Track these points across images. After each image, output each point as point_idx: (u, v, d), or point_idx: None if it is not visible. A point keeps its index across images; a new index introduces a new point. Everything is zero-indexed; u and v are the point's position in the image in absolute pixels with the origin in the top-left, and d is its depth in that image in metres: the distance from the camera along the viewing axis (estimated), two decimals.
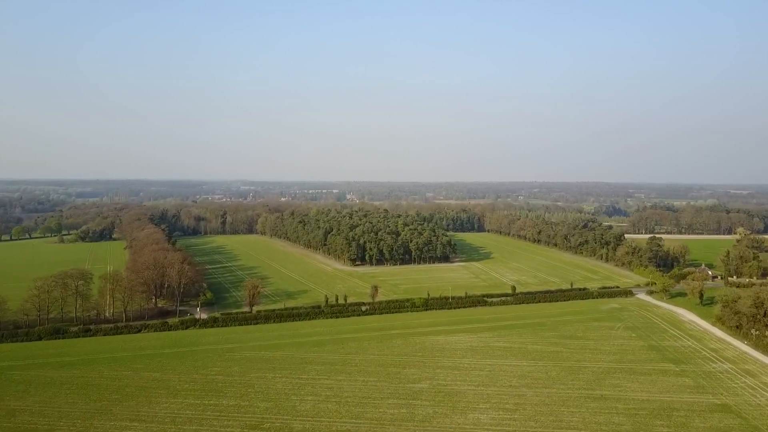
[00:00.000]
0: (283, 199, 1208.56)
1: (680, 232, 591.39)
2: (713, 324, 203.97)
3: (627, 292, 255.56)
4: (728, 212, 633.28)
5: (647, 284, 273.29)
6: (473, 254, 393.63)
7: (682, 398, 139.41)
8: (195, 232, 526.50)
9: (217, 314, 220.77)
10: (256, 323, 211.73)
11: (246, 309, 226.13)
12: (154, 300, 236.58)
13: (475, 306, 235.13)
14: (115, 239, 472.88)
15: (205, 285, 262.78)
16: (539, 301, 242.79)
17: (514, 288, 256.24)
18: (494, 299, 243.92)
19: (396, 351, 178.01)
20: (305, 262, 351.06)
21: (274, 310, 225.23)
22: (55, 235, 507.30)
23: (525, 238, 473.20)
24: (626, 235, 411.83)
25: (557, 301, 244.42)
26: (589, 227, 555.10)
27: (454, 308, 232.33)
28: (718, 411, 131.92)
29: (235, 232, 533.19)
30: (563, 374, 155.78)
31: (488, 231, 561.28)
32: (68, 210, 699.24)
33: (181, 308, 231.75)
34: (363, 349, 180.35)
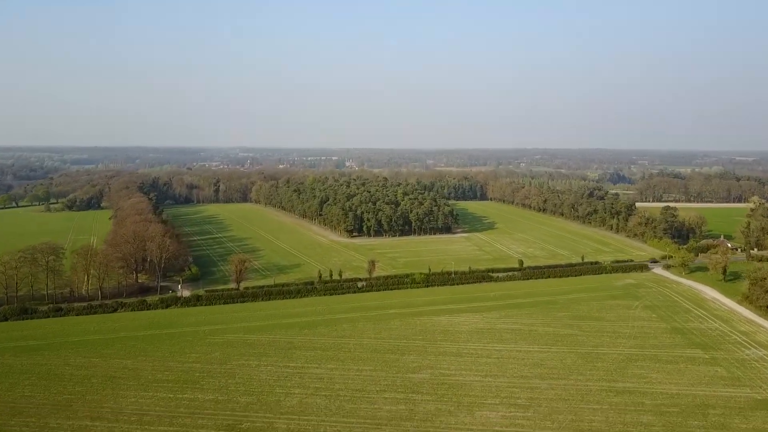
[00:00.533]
0: (281, 166, 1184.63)
1: (689, 200, 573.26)
2: (740, 303, 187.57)
3: (642, 267, 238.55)
4: (738, 180, 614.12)
5: (663, 257, 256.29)
6: (476, 224, 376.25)
7: (717, 392, 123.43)
8: (187, 201, 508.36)
9: (201, 291, 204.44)
10: (243, 301, 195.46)
11: (233, 285, 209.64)
12: (134, 275, 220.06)
13: (480, 282, 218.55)
14: (103, 208, 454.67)
15: (190, 259, 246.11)
16: (548, 277, 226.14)
17: (521, 262, 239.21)
18: (500, 274, 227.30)
19: (394, 334, 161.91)
20: (299, 233, 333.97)
21: (262, 286, 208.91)
22: (42, 204, 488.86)
23: (530, 207, 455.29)
24: (636, 204, 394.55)
25: (568, 276, 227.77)
26: (595, 195, 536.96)
27: (457, 284, 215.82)
28: (761, 408, 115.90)
29: (228, 200, 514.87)
30: (580, 362, 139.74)
31: (491, 199, 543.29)
32: (59, 177, 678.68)
33: (163, 284, 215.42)
34: (358, 331, 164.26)
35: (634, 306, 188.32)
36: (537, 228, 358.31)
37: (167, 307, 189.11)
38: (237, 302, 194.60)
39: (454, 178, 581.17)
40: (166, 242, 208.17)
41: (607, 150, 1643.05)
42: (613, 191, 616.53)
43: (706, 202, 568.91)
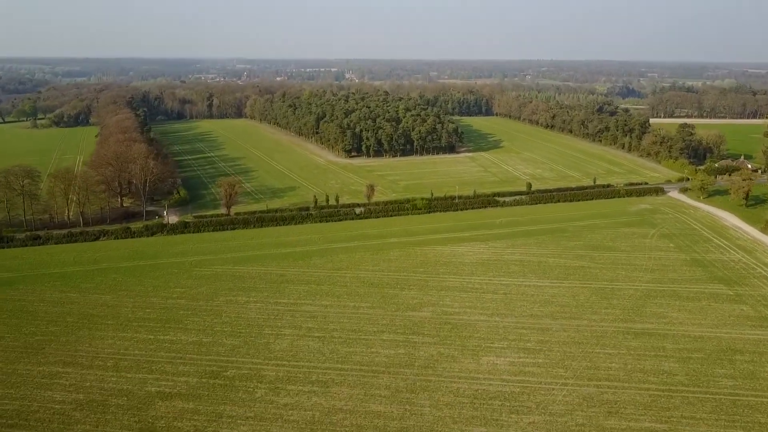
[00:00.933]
0: (278, 78, 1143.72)
1: (702, 116, 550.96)
2: (763, 231, 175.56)
3: (657, 190, 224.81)
4: (755, 94, 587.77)
5: (679, 180, 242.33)
6: (481, 142, 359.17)
7: (744, 334, 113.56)
8: (180, 116, 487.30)
9: (189, 217, 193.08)
10: (233, 228, 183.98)
11: (223, 211, 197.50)
12: (119, 200, 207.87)
13: (485, 207, 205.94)
14: (91, 125, 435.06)
15: (179, 181, 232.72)
16: (558, 201, 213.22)
17: (529, 185, 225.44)
18: (507, 198, 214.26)
19: (393, 265, 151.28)
20: (295, 152, 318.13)
21: (255, 212, 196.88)
22: (29, 119, 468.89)
23: (537, 123, 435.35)
24: (649, 120, 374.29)
25: (579, 200, 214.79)
26: (605, 110, 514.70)
27: (461, 210, 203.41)
28: None
29: (222, 116, 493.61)
30: (594, 299, 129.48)
31: (497, 114, 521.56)
32: (47, 91, 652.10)
33: (150, 209, 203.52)
34: (355, 262, 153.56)
35: (651, 234, 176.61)
36: (545, 146, 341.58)
37: (152, 234, 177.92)
38: (227, 229, 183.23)
39: (458, 92, 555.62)
40: (149, 164, 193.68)
41: (614, 62, 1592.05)
42: (624, 106, 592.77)
43: (720, 117, 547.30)
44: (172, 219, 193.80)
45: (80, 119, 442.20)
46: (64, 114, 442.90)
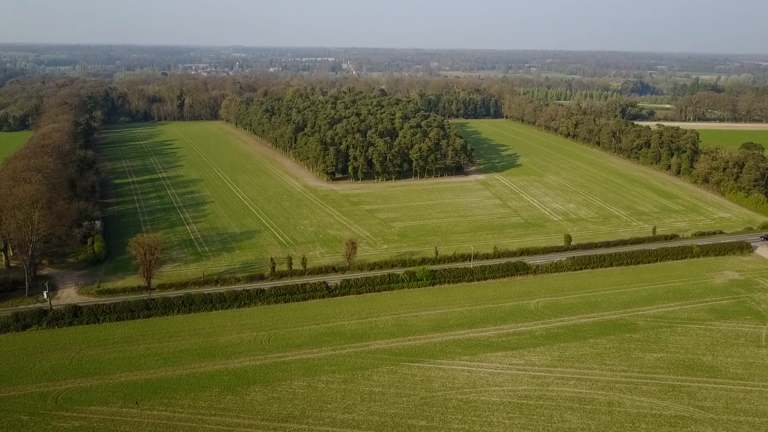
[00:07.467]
0: (271, 69, 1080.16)
1: (736, 120, 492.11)
2: None
3: (742, 246, 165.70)
4: None
5: (764, 226, 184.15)
6: (494, 158, 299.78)
7: None
8: (146, 118, 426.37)
9: (92, 290, 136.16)
10: (149, 315, 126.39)
11: (142, 281, 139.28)
12: (3, 259, 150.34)
13: (512, 275, 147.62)
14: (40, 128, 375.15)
15: (97, 225, 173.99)
16: (611, 264, 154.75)
17: (568, 238, 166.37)
18: (539, 260, 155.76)
19: (377, 410, 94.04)
20: (266, 173, 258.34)
21: (186, 283, 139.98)
22: None
23: (556, 131, 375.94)
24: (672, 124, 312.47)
25: (638, 262, 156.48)
26: (628, 113, 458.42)
27: (478, 280, 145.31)
28: None
29: (195, 117, 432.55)
30: None
31: (507, 117, 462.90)
32: (10, 84, 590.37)
33: (45, 273, 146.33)
34: (316, 401, 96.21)
35: (764, 336, 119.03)
36: (572, 165, 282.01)
37: (25, 328, 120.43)
38: (139, 317, 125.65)
39: (463, 91, 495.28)
40: (34, 216, 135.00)
41: (620, 53, 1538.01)
42: (648, 106, 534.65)
43: (756, 121, 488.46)
44: (70, 293, 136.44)
45: (27, 122, 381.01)
46: (8, 115, 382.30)
